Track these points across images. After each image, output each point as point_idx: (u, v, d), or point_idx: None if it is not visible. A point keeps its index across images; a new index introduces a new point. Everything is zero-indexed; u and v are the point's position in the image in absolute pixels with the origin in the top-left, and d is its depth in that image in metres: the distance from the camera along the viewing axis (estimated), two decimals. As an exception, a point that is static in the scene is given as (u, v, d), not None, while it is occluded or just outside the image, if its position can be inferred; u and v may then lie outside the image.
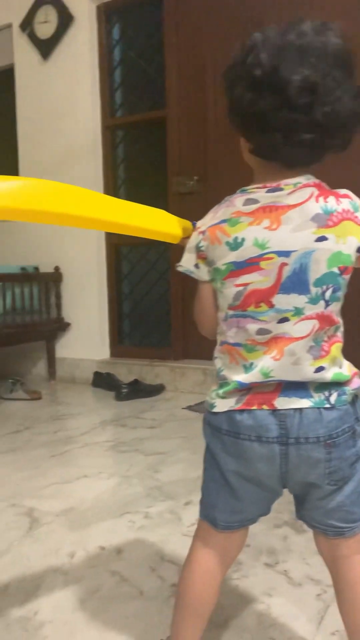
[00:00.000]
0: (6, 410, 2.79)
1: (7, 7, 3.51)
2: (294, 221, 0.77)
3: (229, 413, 0.81)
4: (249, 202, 0.80)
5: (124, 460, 2.00)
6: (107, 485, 1.78)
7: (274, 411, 0.78)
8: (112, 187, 3.37)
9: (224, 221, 0.81)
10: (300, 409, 0.78)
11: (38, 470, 1.93)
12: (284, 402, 0.78)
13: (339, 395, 0.79)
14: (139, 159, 3.33)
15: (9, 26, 3.54)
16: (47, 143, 3.42)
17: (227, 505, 0.86)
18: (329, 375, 0.79)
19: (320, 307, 0.78)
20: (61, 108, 3.35)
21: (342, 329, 0.83)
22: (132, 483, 1.79)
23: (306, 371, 0.78)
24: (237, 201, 0.81)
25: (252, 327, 0.80)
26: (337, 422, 0.78)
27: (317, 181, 0.80)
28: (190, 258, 0.86)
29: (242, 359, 0.82)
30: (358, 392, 0.83)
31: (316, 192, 0.78)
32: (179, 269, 0.87)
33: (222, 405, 0.82)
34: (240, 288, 0.80)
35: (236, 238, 0.80)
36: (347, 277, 0.80)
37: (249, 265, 0.79)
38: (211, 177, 2.99)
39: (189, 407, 2.71)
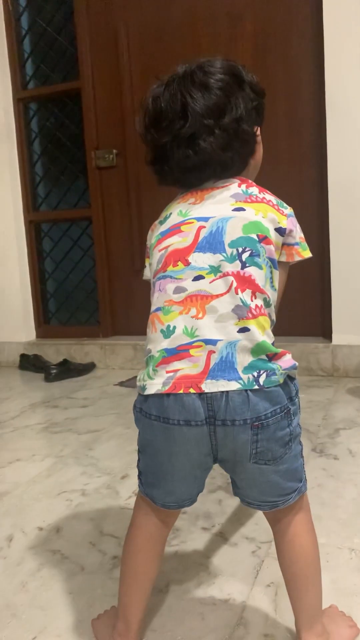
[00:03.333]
0: None
1: None
2: (215, 197, 0.87)
3: (157, 397, 0.79)
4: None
5: (58, 441, 1.99)
6: (41, 467, 1.76)
7: (201, 394, 0.77)
8: (28, 163, 3.26)
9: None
10: (227, 392, 0.76)
11: (-32, 458, 1.88)
12: (211, 385, 0.76)
13: (268, 375, 0.77)
14: (55, 133, 3.22)
15: None
16: None
17: (162, 487, 0.86)
18: (255, 338, 0.78)
19: (236, 267, 0.81)
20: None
21: (274, 309, 0.84)
22: (67, 463, 1.79)
23: (230, 330, 0.78)
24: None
25: (170, 286, 0.83)
26: (265, 404, 0.77)
27: (244, 179, 0.89)
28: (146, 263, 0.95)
29: (160, 324, 0.82)
30: (291, 372, 0.81)
31: (239, 182, 0.88)
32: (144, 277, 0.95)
33: (151, 387, 0.80)
34: (163, 251, 0.86)
35: (166, 215, 0.90)
36: (268, 247, 0.83)
37: (172, 230, 0.87)
38: (130, 151, 2.94)
39: (121, 383, 2.72)
